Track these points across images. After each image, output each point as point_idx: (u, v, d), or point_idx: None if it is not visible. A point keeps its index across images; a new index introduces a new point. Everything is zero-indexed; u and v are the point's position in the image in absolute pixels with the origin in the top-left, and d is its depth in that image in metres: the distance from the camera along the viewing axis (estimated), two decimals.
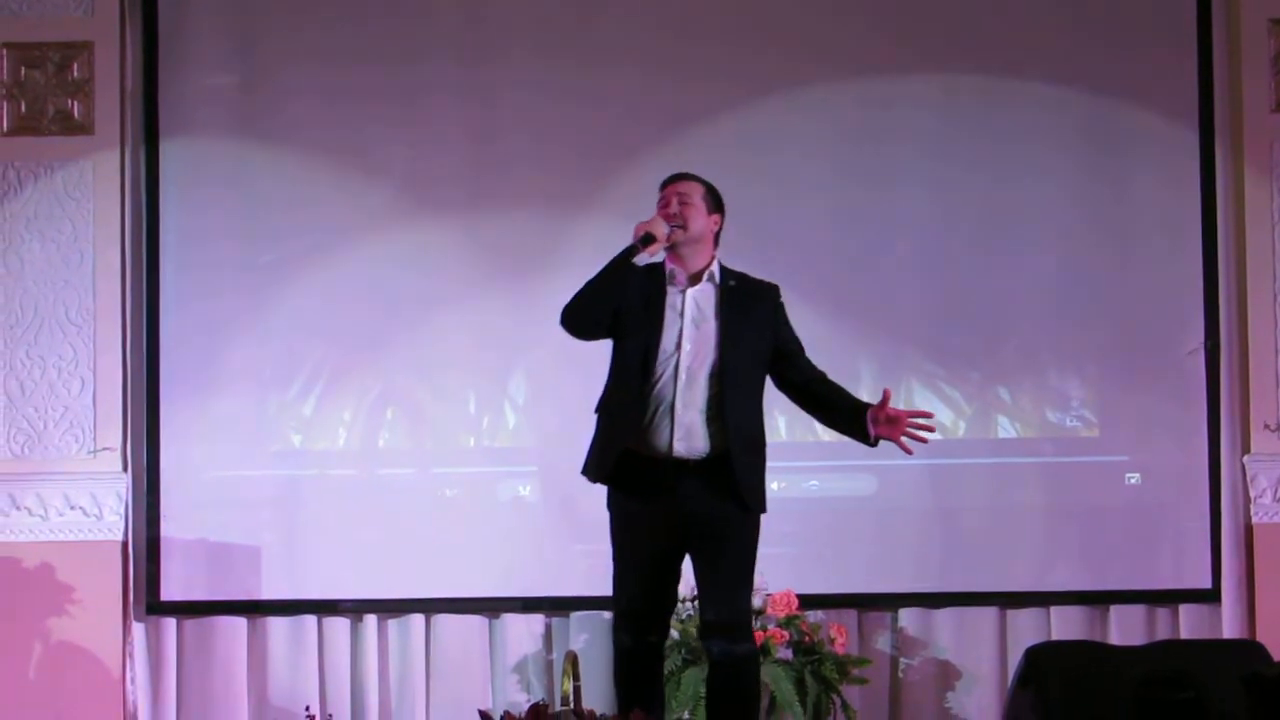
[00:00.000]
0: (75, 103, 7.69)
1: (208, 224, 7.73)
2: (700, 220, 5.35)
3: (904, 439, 5.31)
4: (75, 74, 7.68)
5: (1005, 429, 7.70)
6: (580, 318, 5.29)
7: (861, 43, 7.66)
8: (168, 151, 7.75)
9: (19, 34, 7.67)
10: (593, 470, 5.40)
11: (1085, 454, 7.64)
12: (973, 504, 7.61)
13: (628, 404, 5.26)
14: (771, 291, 5.49)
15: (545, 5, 7.73)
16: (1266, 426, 7.48)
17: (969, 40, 7.68)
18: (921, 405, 7.40)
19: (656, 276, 5.35)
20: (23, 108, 7.70)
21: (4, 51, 7.71)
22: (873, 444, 5.42)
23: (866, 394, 7.39)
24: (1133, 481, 7.63)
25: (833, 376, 5.68)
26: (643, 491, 5.27)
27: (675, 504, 5.24)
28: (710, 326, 5.32)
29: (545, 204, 7.63)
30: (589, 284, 5.30)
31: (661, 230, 5.27)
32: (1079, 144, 7.65)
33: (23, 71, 7.69)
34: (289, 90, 7.74)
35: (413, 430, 7.73)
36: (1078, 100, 7.65)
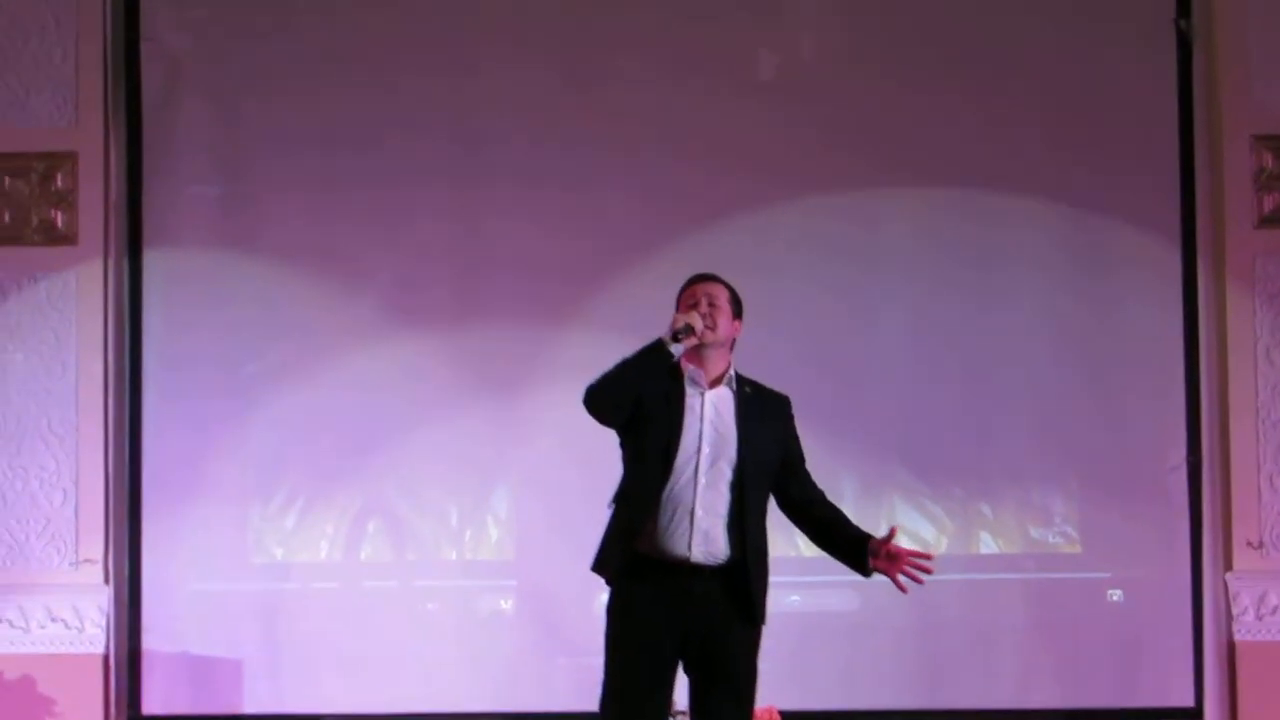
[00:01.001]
0: (59, 213, 7.68)
1: (191, 334, 7.71)
2: (726, 325, 5.28)
3: (901, 577, 5.26)
4: (59, 184, 7.67)
5: (987, 544, 7.70)
6: (605, 399, 5.17)
7: (840, 156, 7.66)
8: (151, 261, 7.74)
9: (2, 144, 7.67)
10: (606, 565, 5.23)
11: (1067, 570, 7.62)
12: (954, 620, 7.55)
13: (647, 501, 5.17)
14: (784, 403, 5.42)
15: (534, 121, 7.74)
16: (1249, 544, 7.46)
17: (950, 154, 7.68)
18: (904, 520, 7.44)
19: (675, 375, 5.26)
20: (6, 217, 7.69)
21: None
22: (867, 575, 5.38)
23: (850, 512, 7.32)
24: (1115, 598, 7.61)
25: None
26: (653, 595, 5.14)
27: (685, 611, 5.13)
28: (730, 432, 5.24)
29: (530, 319, 7.63)
30: (619, 368, 5.19)
31: (698, 324, 5.19)
32: (1060, 261, 7.64)
33: (6, 181, 7.69)
34: (273, 202, 7.73)
35: (395, 543, 7.71)
36: (1059, 215, 7.64)
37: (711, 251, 7.37)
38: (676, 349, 5.18)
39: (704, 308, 5.22)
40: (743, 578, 5.13)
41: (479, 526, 7.70)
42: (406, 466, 7.68)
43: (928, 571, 5.21)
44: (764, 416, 5.28)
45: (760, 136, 7.68)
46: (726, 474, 5.18)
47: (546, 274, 7.63)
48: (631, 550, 5.15)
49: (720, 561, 5.16)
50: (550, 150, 7.69)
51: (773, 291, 7.42)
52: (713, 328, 5.22)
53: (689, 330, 5.16)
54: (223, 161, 7.78)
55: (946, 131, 7.68)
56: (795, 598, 7.55)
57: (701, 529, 5.12)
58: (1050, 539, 7.68)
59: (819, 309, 7.66)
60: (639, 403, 5.12)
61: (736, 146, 7.66)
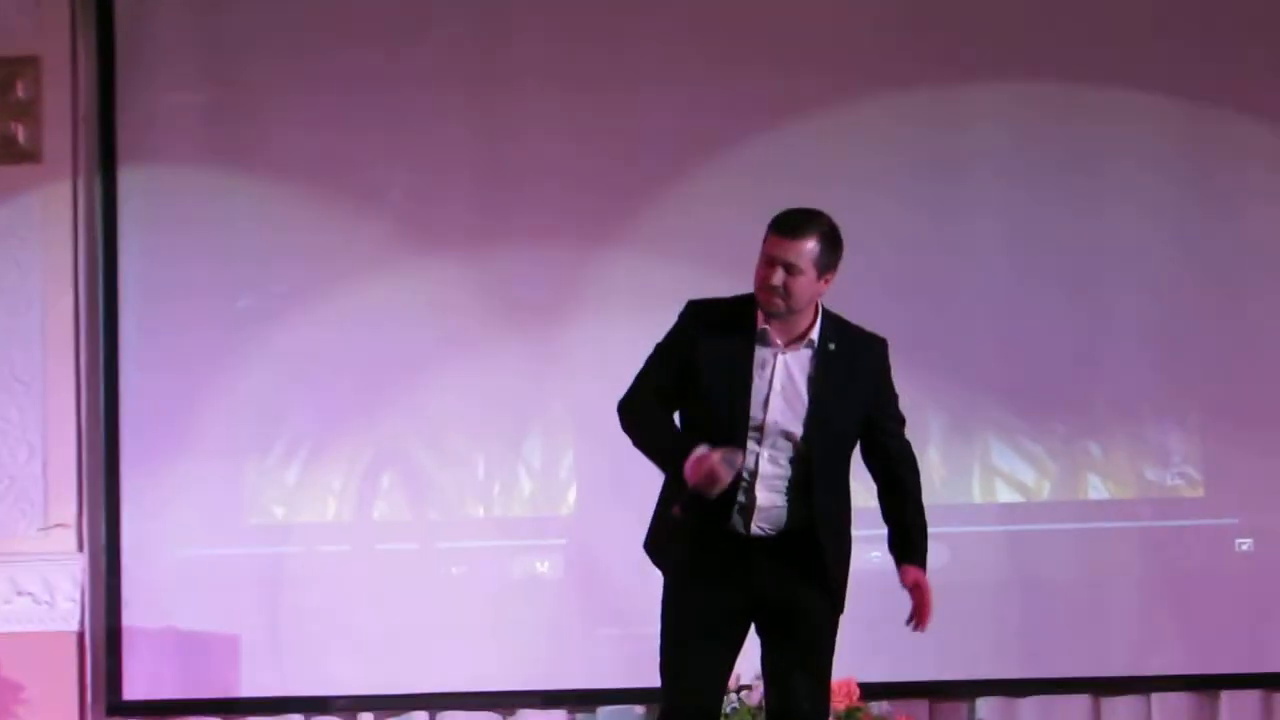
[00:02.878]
0: (20, 126, 7.28)
1: (174, 265, 7.32)
2: (806, 290, 4.78)
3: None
4: (20, 93, 7.28)
5: (1096, 489, 7.24)
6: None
7: (917, 52, 7.25)
8: (127, 181, 7.35)
9: None
10: (660, 550, 4.91)
11: (1189, 517, 7.20)
12: (1060, 576, 7.14)
13: None
14: (878, 350, 4.97)
15: (566, 12, 7.37)
16: None
17: (1043, 44, 7.24)
18: (1000, 464, 7.15)
19: (745, 325, 4.84)
20: None
21: None
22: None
23: (938, 455, 6.92)
24: (1244, 548, 7.14)
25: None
26: (711, 568, 4.83)
27: (750, 581, 4.82)
28: (800, 400, 4.83)
29: (566, 238, 7.25)
30: (644, 437, 4.83)
31: (724, 478, 4.65)
32: (1174, 159, 7.20)
33: None
34: (268, 112, 7.36)
35: (413, 500, 7.32)
36: (1170, 109, 7.19)
37: (770, 159, 7.24)
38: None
39: (777, 279, 4.72)
40: (814, 548, 4.86)
41: (510, 479, 7.28)
42: (426, 410, 7.26)
43: (918, 629, 4.96)
44: (852, 374, 4.91)
45: (825, 25, 7.27)
46: (792, 448, 4.84)
47: (583, 186, 7.26)
48: (685, 526, 4.81)
49: (785, 529, 4.87)
50: (585, 46, 7.33)
51: (844, 204, 6.69)
52: (785, 302, 4.74)
53: (703, 494, 4.69)
54: (208, 64, 7.37)
55: (1040, 17, 7.24)
56: (876, 554, 6.77)
57: (763, 506, 4.81)
58: (1169, 481, 7.20)
59: (897, 221, 7.19)
60: (696, 368, 4.81)
61: (799, 38, 7.24)
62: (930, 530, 6.03)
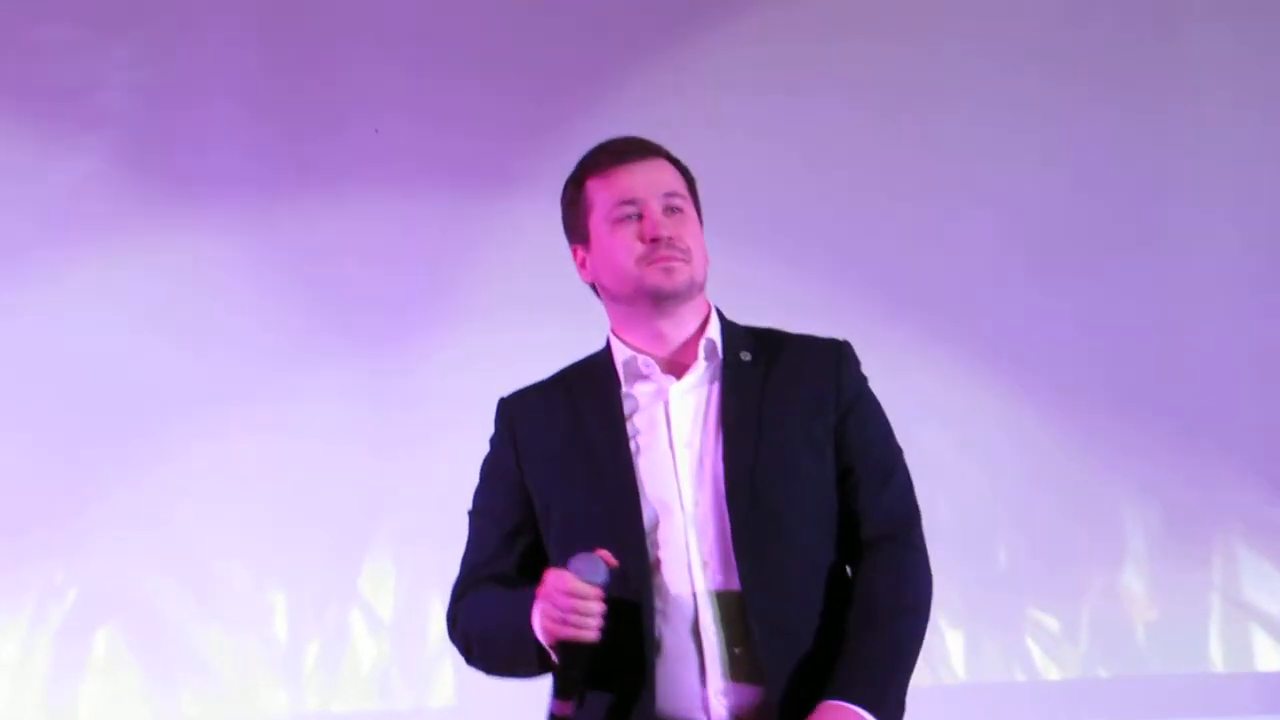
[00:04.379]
0: None
1: None
2: (703, 252, 3.03)
3: None
4: None
5: None
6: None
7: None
8: None
9: None
10: None
11: None
12: None
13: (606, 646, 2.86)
14: (831, 354, 3.04)
15: None
16: None
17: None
18: None
19: (595, 376, 3.03)
20: None
21: None
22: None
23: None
24: None
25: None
26: None
27: None
28: (716, 450, 2.92)
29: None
30: (487, 640, 2.96)
31: (594, 608, 2.78)
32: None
33: None
34: None
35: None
36: None
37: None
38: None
39: (665, 231, 2.94)
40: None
41: (335, 642, 4.84)
42: (176, 535, 4.89)
43: None
44: (789, 393, 3.01)
45: None
46: (749, 531, 2.90)
47: None
48: None
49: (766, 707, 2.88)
50: None
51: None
52: (688, 265, 2.98)
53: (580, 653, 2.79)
54: None
55: None
56: None
57: (718, 661, 2.86)
58: None
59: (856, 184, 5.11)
60: (541, 481, 3.00)
61: None
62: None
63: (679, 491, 2.87)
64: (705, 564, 2.83)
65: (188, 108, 5.00)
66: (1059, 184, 5.06)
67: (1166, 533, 4.86)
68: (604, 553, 2.76)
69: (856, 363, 2.99)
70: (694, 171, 3.01)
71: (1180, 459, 4.88)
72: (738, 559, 2.83)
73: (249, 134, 4.97)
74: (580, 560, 2.74)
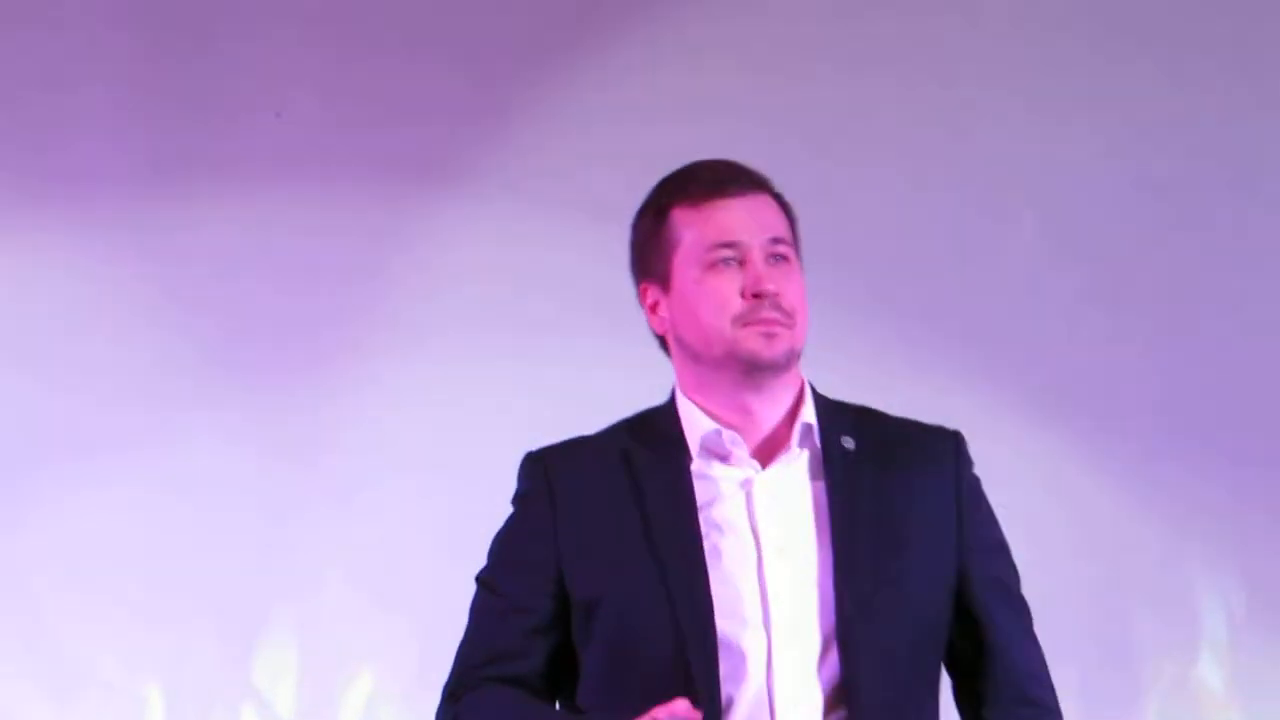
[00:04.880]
0: None
1: None
2: (804, 307, 2.67)
3: None
4: None
5: None
6: None
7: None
8: None
9: None
10: None
11: None
12: None
13: None
14: (946, 449, 2.67)
15: None
16: None
17: None
18: None
19: (659, 437, 2.65)
20: None
21: None
22: None
23: None
24: None
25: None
26: None
27: None
28: (822, 566, 2.55)
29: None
30: None
31: None
32: None
33: None
34: None
35: None
36: None
37: None
38: None
39: (770, 286, 2.60)
40: None
41: None
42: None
43: None
44: (904, 500, 2.68)
45: None
46: (836, 653, 2.55)
47: None
48: None
49: None
50: None
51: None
52: (789, 329, 2.65)
53: None
54: None
55: None
56: None
57: None
58: None
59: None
60: (579, 574, 2.58)
61: None
62: None
63: (765, 615, 2.48)
64: (789, 710, 2.47)
65: (45, 91, 4.39)
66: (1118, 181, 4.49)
67: (1249, 614, 4.33)
68: (685, 708, 2.39)
69: (970, 461, 2.68)
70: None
71: (1268, 520, 4.34)
72: (833, 707, 2.46)
73: (116, 121, 4.40)
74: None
